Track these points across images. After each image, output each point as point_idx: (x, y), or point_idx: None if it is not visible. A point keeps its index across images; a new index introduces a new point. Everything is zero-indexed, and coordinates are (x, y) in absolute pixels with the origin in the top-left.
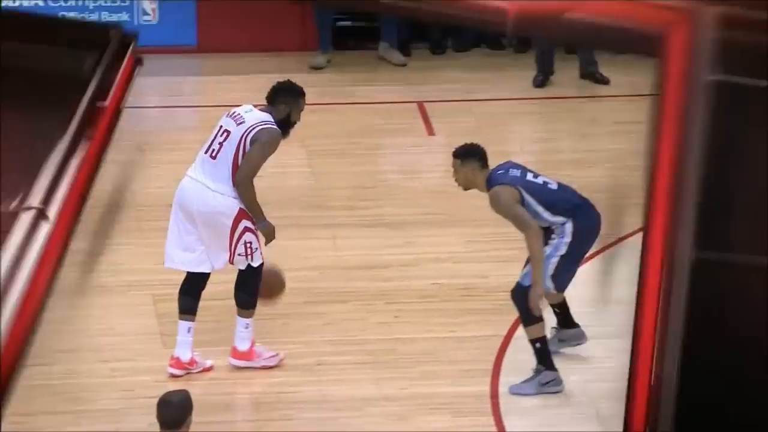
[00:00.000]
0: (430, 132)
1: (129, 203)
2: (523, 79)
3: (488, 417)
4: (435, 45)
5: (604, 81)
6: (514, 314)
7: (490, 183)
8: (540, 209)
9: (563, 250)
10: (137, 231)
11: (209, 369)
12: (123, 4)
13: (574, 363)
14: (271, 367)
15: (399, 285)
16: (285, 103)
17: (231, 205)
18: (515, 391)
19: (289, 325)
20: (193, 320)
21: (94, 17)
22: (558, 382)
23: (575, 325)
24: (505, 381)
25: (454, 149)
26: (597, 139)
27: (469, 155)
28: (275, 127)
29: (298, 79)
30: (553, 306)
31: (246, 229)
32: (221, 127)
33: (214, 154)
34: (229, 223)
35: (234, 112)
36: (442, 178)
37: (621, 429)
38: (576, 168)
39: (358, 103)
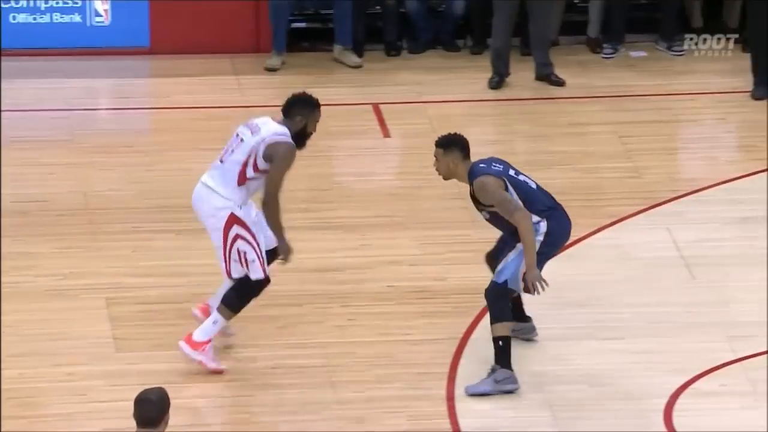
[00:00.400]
0: (386, 134)
1: (82, 206)
2: (479, 80)
3: (444, 420)
4: (390, 47)
5: (559, 83)
6: (470, 317)
7: (473, 175)
8: (522, 193)
9: (537, 249)
10: (90, 234)
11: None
12: (75, 5)
13: (530, 364)
14: (215, 371)
15: (355, 288)
16: (301, 115)
17: (223, 207)
18: (471, 391)
19: (244, 329)
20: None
21: (46, 19)
22: (513, 380)
23: (527, 319)
24: (462, 383)
25: (436, 138)
26: (552, 140)
27: (452, 145)
28: (290, 140)
29: (253, 80)
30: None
31: (237, 237)
32: (237, 134)
33: (223, 158)
34: (221, 226)
35: (251, 122)
36: (397, 180)
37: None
38: (532, 170)
39: None
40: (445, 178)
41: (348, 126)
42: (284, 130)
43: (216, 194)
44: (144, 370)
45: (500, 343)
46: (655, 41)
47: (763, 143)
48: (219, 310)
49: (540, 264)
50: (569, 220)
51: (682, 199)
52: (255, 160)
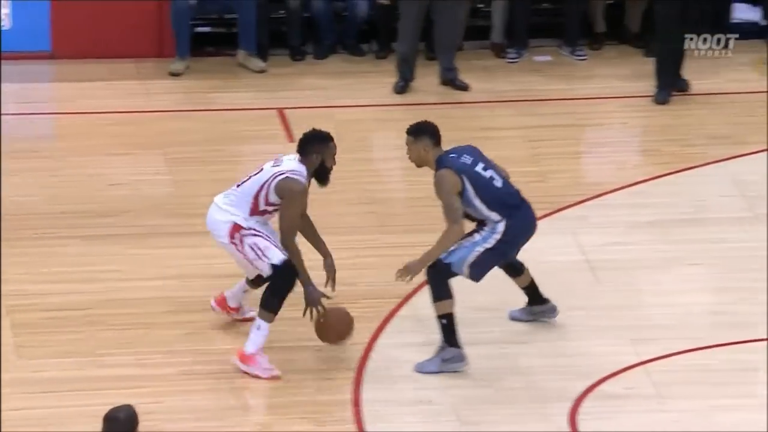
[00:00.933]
0: (291, 138)
1: None
2: (384, 85)
3: (351, 425)
4: (294, 51)
5: (463, 87)
6: (377, 321)
7: (440, 164)
8: (477, 202)
9: (491, 244)
10: None
11: (251, 319)
12: None
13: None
14: (273, 377)
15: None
16: (316, 152)
17: (227, 220)
18: (419, 369)
19: (151, 334)
20: (252, 288)
21: None
22: (461, 358)
23: (546, 301)
24: (368, 388)
25: (408, 126)
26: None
27: (420, 132)
28: (303, 180)
29: (158, 85)
30: (523, 289)
31: (243, 237)
32: (261, 165)
33: (240, 184)
34: (227, 240)
35: (279, 156)
36: None
37: None
38: None
39: (218, 109)
40: (418, 166)
41: (253, 131)
42: (301, 169)
43: (222, 210)
44: (48, 377)
45: (443, 321)
46: (559, 46)
47: (666, 147)
48: (259, 315)
49: (491, 260)
50: (533, 218)
51: (587, 203)
52: (267, 193)
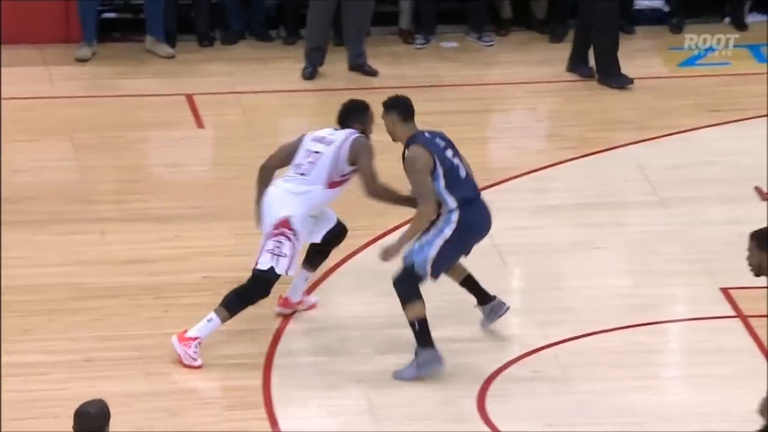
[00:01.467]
0: (200, 125)
1: None
2: (293, 71)
3: (260, 409)
4: (202, 37)
5: (372, 73)
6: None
7: (412, 141)
8: (441, 184)
9: (448, 236)
10: None
11: (314, 306)
12: None
13: (347, 363)
14: (190, 366)
15: (169, 279)
16: (357, 121)
17: (285, 214)
18: (397, 377)
19: (55, 321)
20: (311, 271)
21: None
22: (435, 359)
23: (492, 298)
24: (277, 373)
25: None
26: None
27: (389, 106)
28: (362, 135)
29: (64, 71)
30: (461, 284)
31: (281, 234)
32: (309, 150)
33: (305, 172)
34: (270, 228)
35: (320, 136)
36: (211, 171)
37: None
38: None
39: (125, 95)
40: (393, 140)
41: (161, 117)
42: (352, 131)
43: (287, 205)
44: None
45: (415, 326)
46: (466, 32)
47: (571, 132)
48: (216, 310)
49: (450, 253)
50: (488, 216)
51: (493, 188)
52: (339, 166)
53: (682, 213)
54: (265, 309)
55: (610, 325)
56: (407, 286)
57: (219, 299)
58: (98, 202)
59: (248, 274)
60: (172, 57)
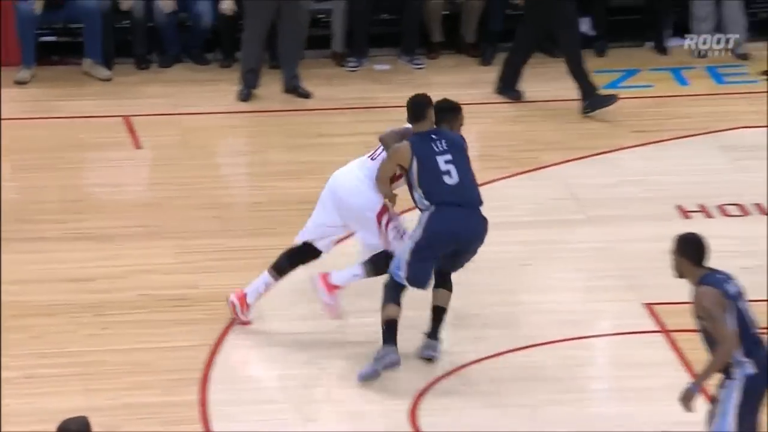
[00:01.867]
0: (137, 145)
1: None
2: (229, 93)
3: (197, 424)
4: (140, 60)
5: (306, 95)
6: (223, 323)
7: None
8: (414, 183)
9: (417, 239)
10: None
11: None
12: None
13: (278, 368)
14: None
15: (108, 297)
16: (445, 121)
17: (379, 200)
18: (359, 376)
19: None
20: (277, 279)
21: None
22: (392, 355)
23: (435, 339)
24: (215, 389)
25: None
26: (304, 150)
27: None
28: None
29: (3, 94)
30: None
31: (391, 218)
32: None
33: (373, 156)
34: (373, 215)
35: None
36: (150, 191)
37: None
38: (286, 179)
39: (65, 117)
40: None
41: (99, 138)
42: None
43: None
44: None
45: (383, 326)
46: (398, 55)
47: (501, 152)
48: (365, 265)
49: (420, 258)
50: (464, 223)
51: None
52: None
53: (608, 231)
54: (203, 325)
55: (539, 339)
56: (387, 291)
57: (158, 316)
58: (39, 222)
59: (186, 291)
60: (109, 79)
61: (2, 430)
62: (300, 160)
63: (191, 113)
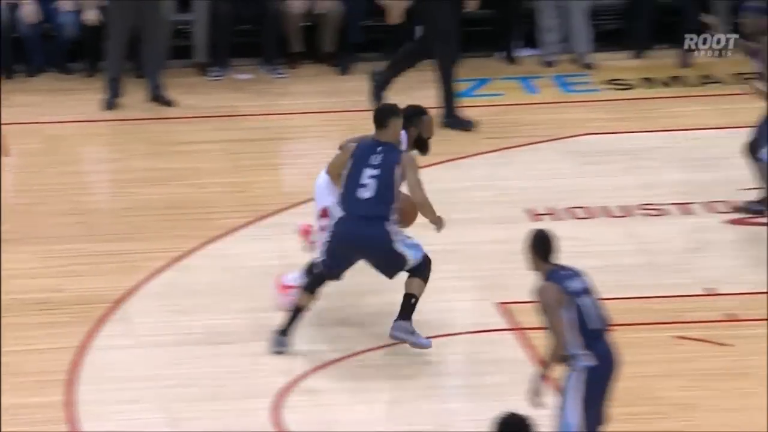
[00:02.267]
0: (5, 153)
1: None
2: (92, 102)
3: (64, 425)
4: (4, 70)
5: (169, 103)
6: (88, 325)
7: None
8: (345, 182)
9: (328, 237)
10: None
11: None
12: None
13: (145, 369)
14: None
15: None
16: (413, 126)
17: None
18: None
19: None
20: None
21: None
22: (279, 341)
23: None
24: (83, 390)
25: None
26: (165, 158)
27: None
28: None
29: None
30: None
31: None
32: None
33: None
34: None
35: None
36: (15, 197)
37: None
38: (148, 186)
39: None
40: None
41: None
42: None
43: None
44: None
45: (291, 311)
46: (259, 65)
47: None
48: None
49: (327, 253)
50: (354, 233)
51: (288, 210)
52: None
53: (460, 233)
54: (69, 327)
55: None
56: (307, 278)
57: (23, 320)
58: None
59: (51, 295)
60: None
61: (2, 430)
62: (161, 167)
63: (56, 122)
